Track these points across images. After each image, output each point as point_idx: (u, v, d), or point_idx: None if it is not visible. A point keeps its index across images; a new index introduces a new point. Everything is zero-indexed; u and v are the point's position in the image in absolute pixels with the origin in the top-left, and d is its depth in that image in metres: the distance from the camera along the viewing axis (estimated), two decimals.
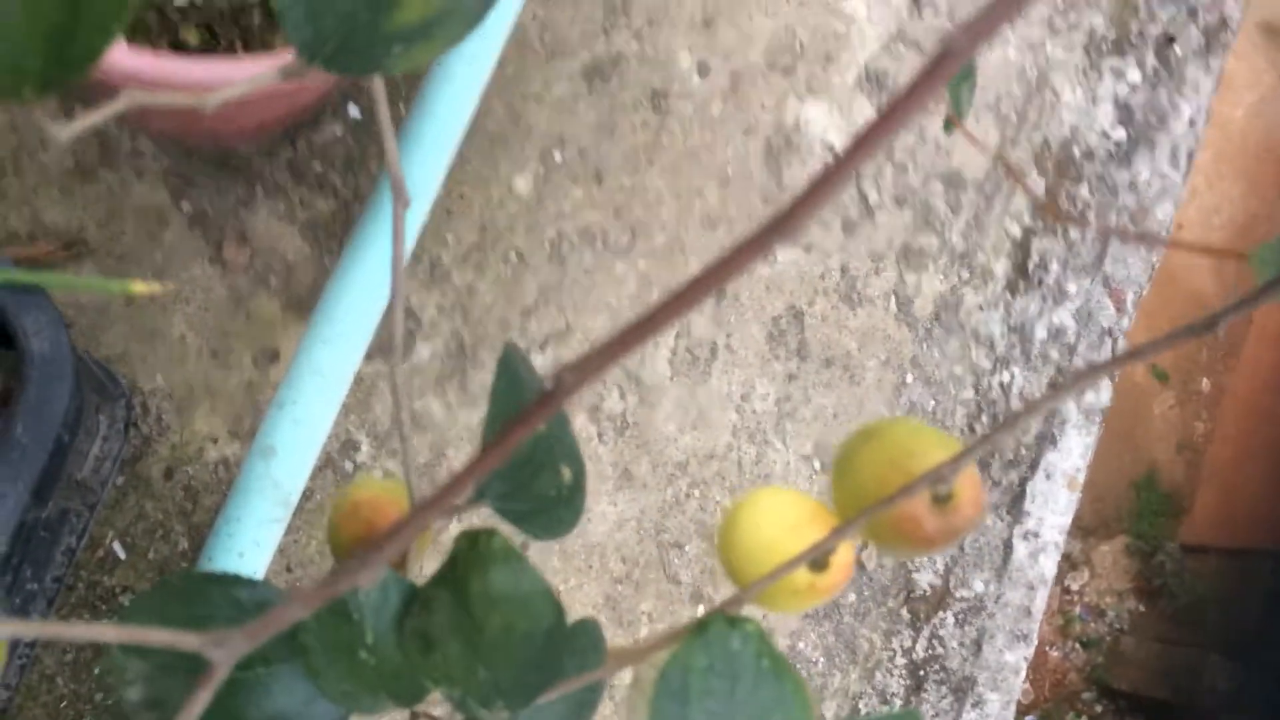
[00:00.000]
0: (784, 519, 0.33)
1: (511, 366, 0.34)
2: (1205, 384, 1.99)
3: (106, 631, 0.23)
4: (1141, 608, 1.89)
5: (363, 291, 0.97)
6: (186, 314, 1.06)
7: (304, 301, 1.09)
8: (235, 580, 0.31)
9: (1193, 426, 1.99)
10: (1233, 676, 1.66)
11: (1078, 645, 1.90)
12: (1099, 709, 1.89)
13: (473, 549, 0.28)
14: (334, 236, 1.11)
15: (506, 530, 0.34)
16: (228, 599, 0.30)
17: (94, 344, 1.03)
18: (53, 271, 1.01)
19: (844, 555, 0.32)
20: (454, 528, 1.03)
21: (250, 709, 0.31)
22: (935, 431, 0.30)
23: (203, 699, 0.22)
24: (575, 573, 1.17)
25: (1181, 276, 1.93)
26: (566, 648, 0.29)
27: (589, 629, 0.35)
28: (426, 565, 0.39)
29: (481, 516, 0.34)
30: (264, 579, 0.91)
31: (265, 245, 1.09)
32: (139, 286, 0.82)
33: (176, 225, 1.06)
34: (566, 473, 0.35)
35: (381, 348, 1.13)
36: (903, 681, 1.28)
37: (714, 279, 0.18)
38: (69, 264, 1.03)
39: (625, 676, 1.13)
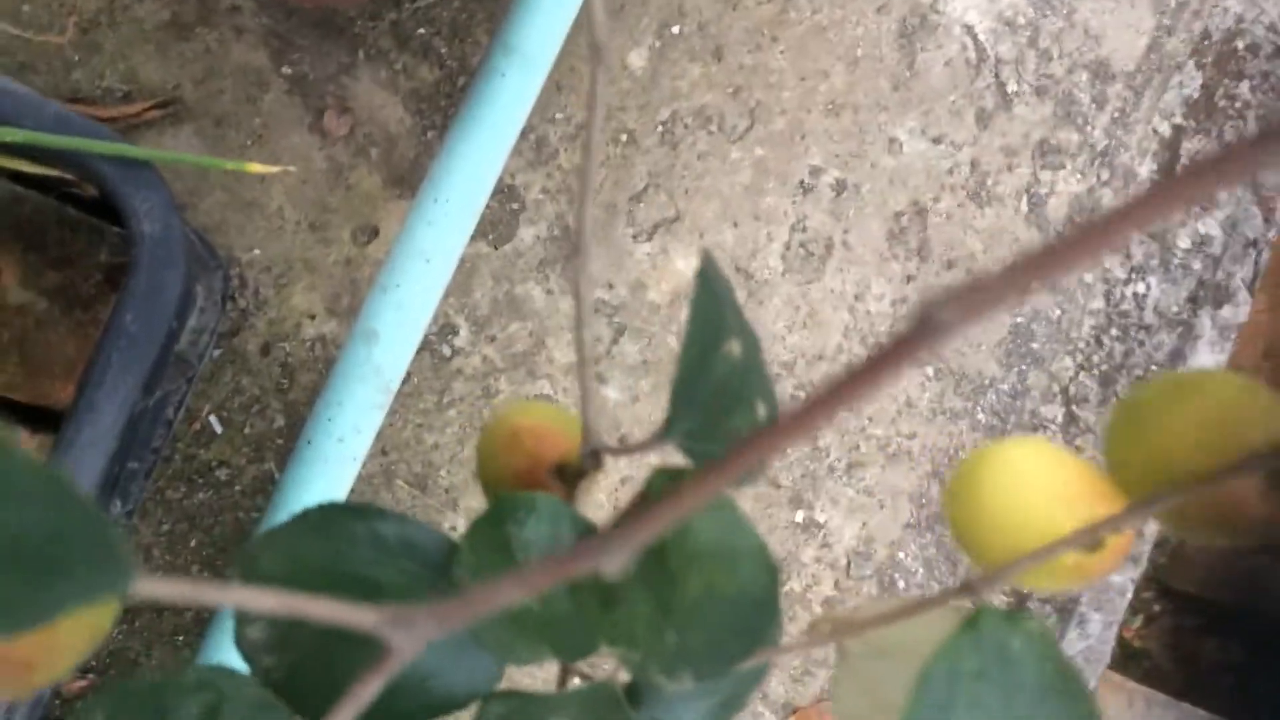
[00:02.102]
0: (1052, 486, 0.27)
1: (711, 281, 0.29)
2: None
3: (260, 598, 0.18)
4: None
5: (470, 170, 0.91)
6: (285, 185, 1.02)
7: (405, 177, 1.04)
8: (378, 514, 0.26)
9: None
10: None
11: None
12: (1157, 609, 1.84)
13: (670, 489, 0.23)
14: (438, 109, 1.05)
15: None
16: (371, 536, 0.26)
17: (191, 212, 0.99)
18: (149, 131, 0.97)
19: (1123, 535, 0.27)
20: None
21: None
22: (1265, 391, 0.24)
23: (373, 687, 0.17)
24: None
25: None
26: (777, 613, 0.24)
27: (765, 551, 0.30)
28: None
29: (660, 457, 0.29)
30: (380, 488, 0.89)
31: (366, 115, 1.03)
32: (255, 167, 0.77)
33: (276, 89, 1.01)
34: (762, 409, 0.30)
35: (484, 228, 1.08)
36: (1006, 598, 1.23)
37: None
38: (165, 124, 0.99)
39: None
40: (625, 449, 0.29)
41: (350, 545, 0.26)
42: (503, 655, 0.27)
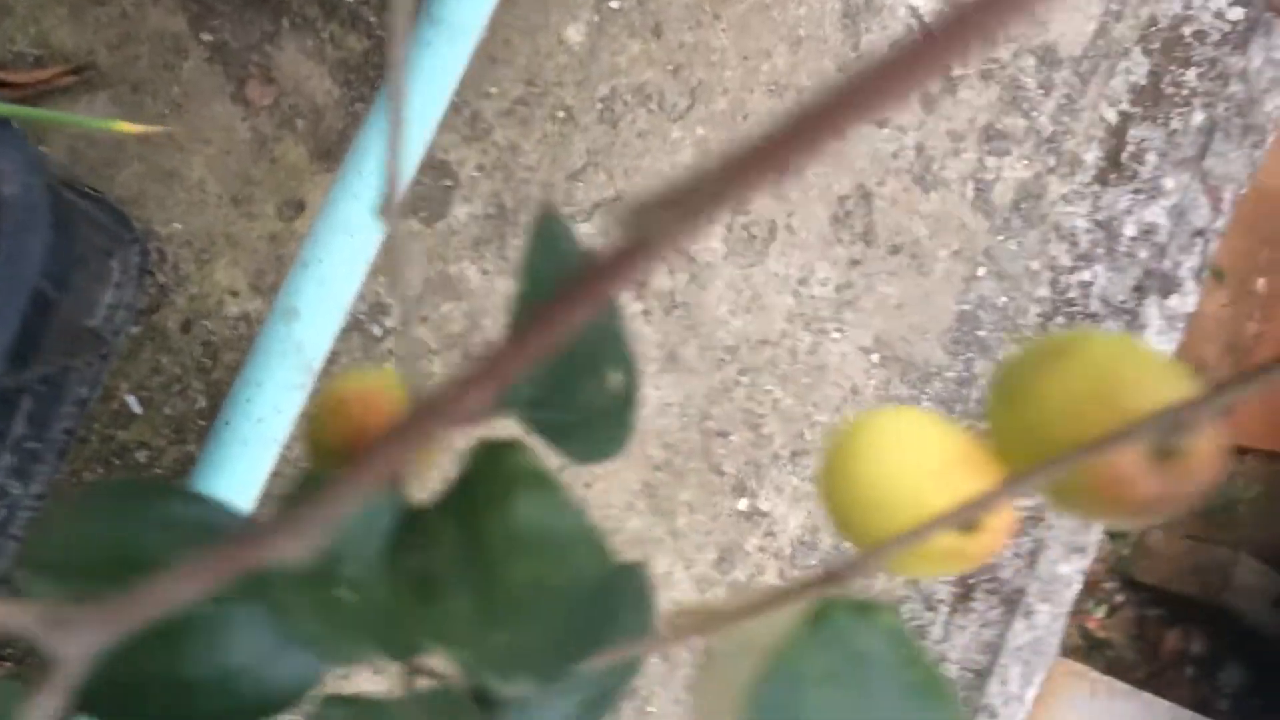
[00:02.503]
0: (926, 458, 0.24)
1: (549, 233, 0.26)
2: (1261, 284, 1.90)
3: None
4: None
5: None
6: (206, 156, 0.98)
7: (333, 150, 1.01)
8: (174, 494, 0.23)
9: (1244, 327, 1.90)
10: (1263, 577, 1.63)
11: (1105, 535, 1.86)
12: (1120, 599, 1.86)
13: (491, 468, 0.21)
14: (366, 80, 1.02)
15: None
16: (163, 518, 0.23)
17: (106, 183, 0.95)
18: (62, 98, 0.93)
19: (1004, 513, 0.24)
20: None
21: (195, 661, 0.24)
22: (1152, 354, 0.22)
23: (43, 712, 0.14)
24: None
25: (1262, 176, 1.81)
26: (618, 606, 0.22)
27: (635, 577, 0.28)
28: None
29: (506, 429, 0.27)
30: (236, 508, 0.85)
31: (292, 85, 1.00)
32: (125, 126, 0.73)
33: (196, 57, 0.97)
34: (616, 378, 0.27)
35: (417, 204, 1.04)
36: (951, 588, 1.22)
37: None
38: (79, 91, 0.95)
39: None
40: (457, 419, 0.26)
41: (140, 527, 0.23)
42: (322, 653, 0.24)
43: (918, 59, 0.10)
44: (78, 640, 0.14)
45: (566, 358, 0.26)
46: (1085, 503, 0.22)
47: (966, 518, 0.22)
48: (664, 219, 0.11)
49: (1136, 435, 0.19)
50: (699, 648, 0.26)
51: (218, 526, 0.24)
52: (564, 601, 0.21)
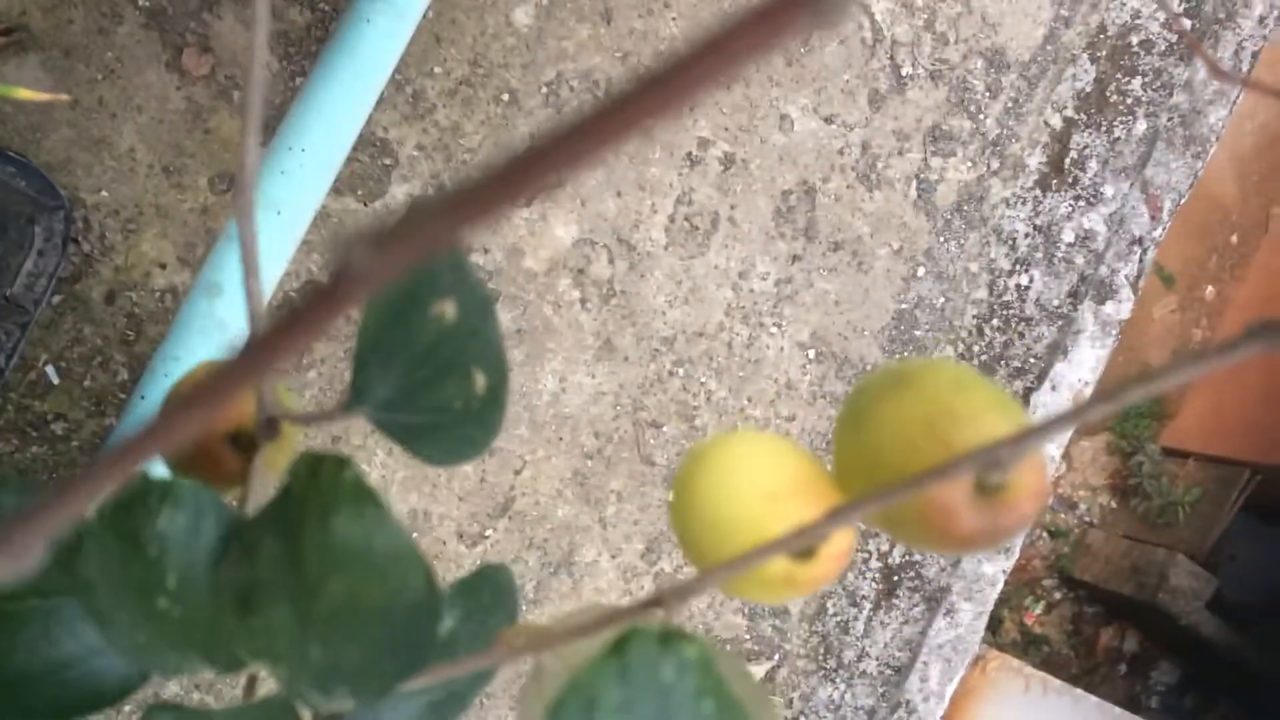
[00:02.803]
0: (764, 482, 0.24)
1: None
2: (1210, 291, 1.93)
3: None
4: (1114, 504, 1.88)
5: (331, 120, 0.87)
6: (138, 124, 0.96)
7: (270, 123, 0.99)
8: None
9: (1191, 333, 1.93)
10: (1198, 579, 1.66)
11: (1045, 534, 1.89)
12: (1058, 596, 1.89)
13: (311, 481, 0.20)
14: (308, 54, 1.00)
15: (375, 458, 0.26)
16: None
17: (32, 148, 0.93)
18: None
19: (839, 541, 0.24)
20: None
21: (18, 652, 0.23)
22: (989, 386, 0.22)
23: None
24: (544, 444, 1.10)
25: (1204, 182, 1.83)
26: (437, 625, 0.21)
27: (497, 579, 0.27)
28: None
29: (362, 431, 0.26)
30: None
31: (229, 56, 0.98)
32: (25, 93, 0.71)
33: (131, 22, 0.95)
34: (480, 380, 0.27)
35: (354, 182, 1.03)
36: (875, 585, 1.23)
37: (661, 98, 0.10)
38: (9, 53, 0.92)
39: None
40: (304, 417, 0.25)
41: None
42: (146, 663, 0.23)
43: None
44: None
45: (426, 357, 0.25)
46: (913, 532, 0.22)
47: (800, 544, 0.21)
48: (377, 252, 0.11)
49: (958, 470, 0.19)
50: (532, 664, 0.25)
51: None
52: (382, 619, 0.21)
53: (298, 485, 0.21)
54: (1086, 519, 1.86)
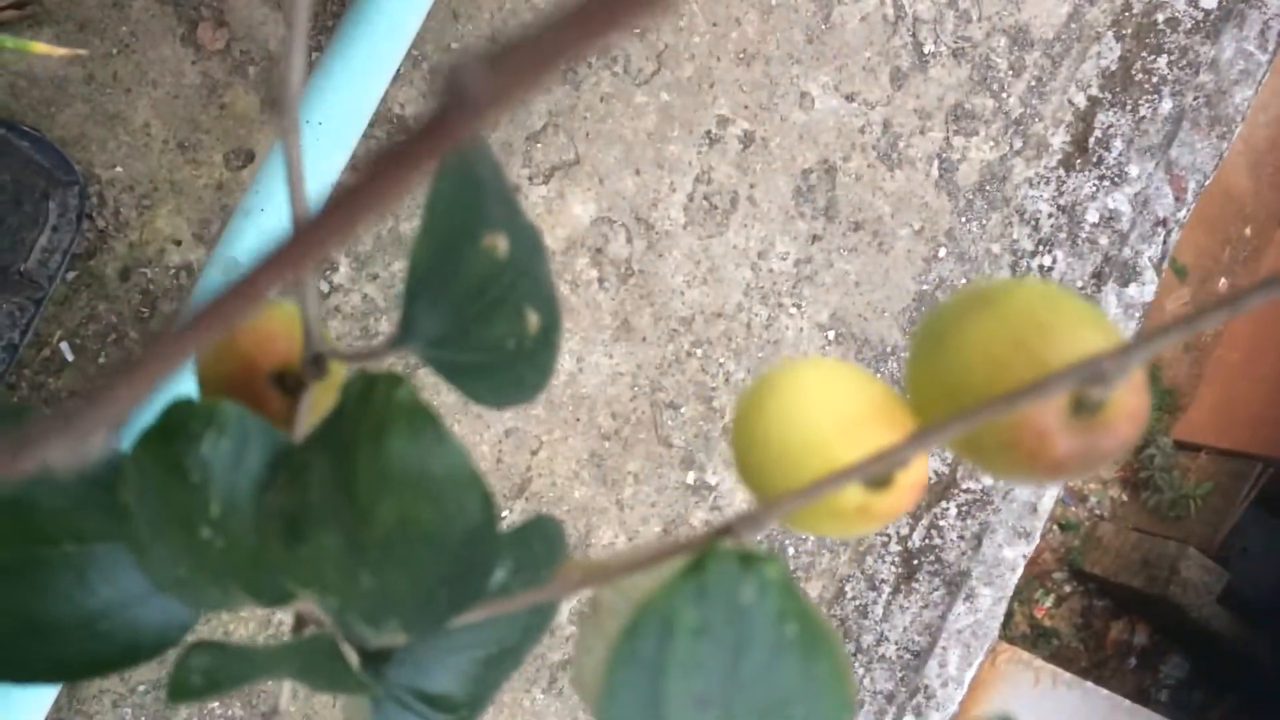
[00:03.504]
0: (837, 408, 0.23)
1: (470, 161, 0.24)
2: (1223, 284, 1.91)
3: None
4: (1124, 497, 1.87)
5: (347, 94, 0.86)
6: (153, 99, 0.95)
7: None
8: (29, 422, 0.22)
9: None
10: (1209, 572, 1.65)
11: (1056, 526, 1.88)
12: (1068, 589, 1.88)
13: (365, 401, 0.19)
14: (324, 29, 0.99)
15: (438, 395, 0.25)
16: None
17: (47, 122, 0.92)
18: (3, 32, 0.90)
19: (916, 469, 0.23)
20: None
21: (55, 601, 0.22)
22: (1081, 301, 0.21)
23: None
24: (561, 424, 1.09)
25: (1218, 173, 1.81)
26: (495, 555, 0.20)
27: (547, 530, 0.26)
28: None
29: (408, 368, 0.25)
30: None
31: (245, 30, 0.97)
32: (40, 47, 0.70)
33: None
34: (533, 319, 0.25)
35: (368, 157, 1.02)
36: (894, 569, 1.21)
37: None
38: (22, 26, 0.91)
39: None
40: (353, 354, 0.24)
41: None
42: (188, 599, 0.22)
43: None
44: None
45: (477, 292, 0.24)
46: (1000, 458, 0.21)
47: (875, 471, 0.20)
48: (490, 78, 0.09)
49: (1055, 386, 0.18)
50: (587, 601, 0.24)
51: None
52: (436, 545, 0.20)
53: (350, 405, 0.20)
54: (1097, 512, 1.85)
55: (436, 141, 0.10)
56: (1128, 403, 0.20)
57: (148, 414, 0.21)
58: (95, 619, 0.23)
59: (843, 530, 0.23)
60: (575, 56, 0.09)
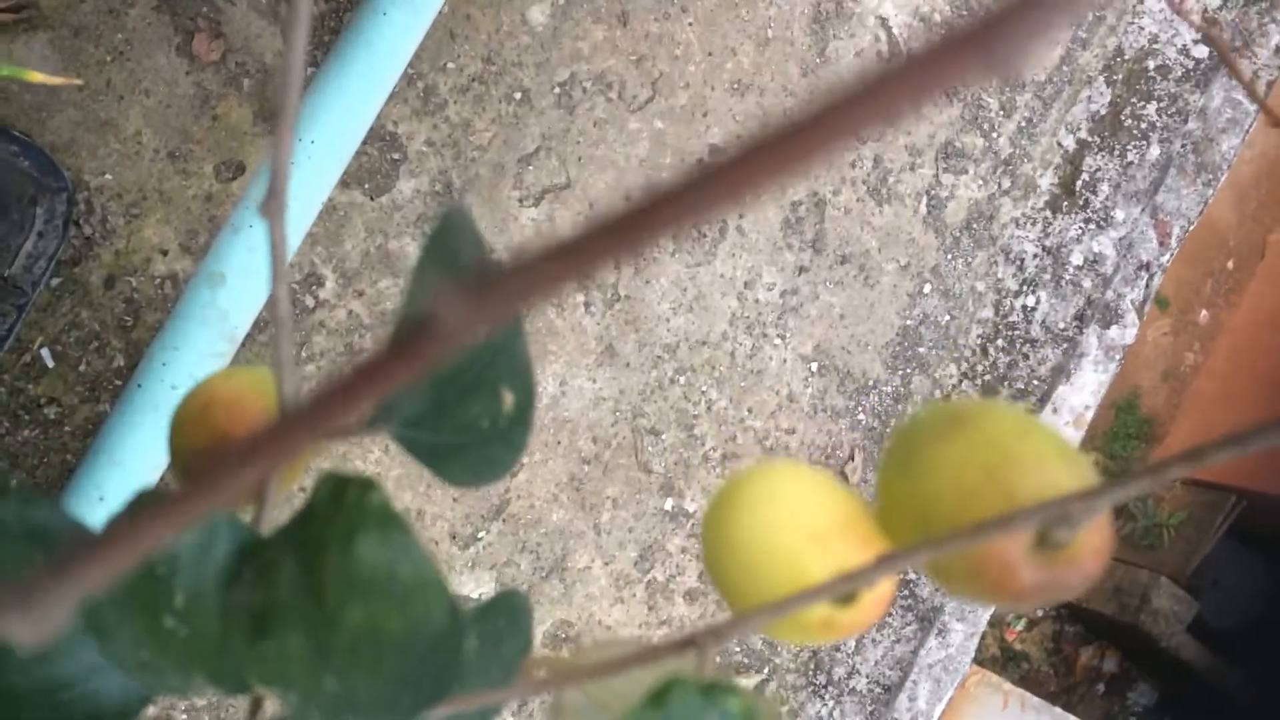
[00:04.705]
0: (806, 519, 0.23)
1: (452, 234, 0.24)
2: (1204, 316, 1.93)
3: None
4: None
5: (342, 113, 0.86)
6: (145, 108, 0.95)
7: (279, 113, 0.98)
8: (8, 493, 0.22)
9: (1183, 356, 1.93)
10: (1181, 601, 1.66)
11: None
12: (1039, 613, 1.89)
13: (336, 503, 0.19)
14: (321, 44, 0.99)
15: (398, 474, 0.25)
16: None
17: (37, 128, 0.92)
18: (0, 36, 0.90)
19: (882, 586, 0.23)
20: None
21: (12, 672, 0.22)
22: (1052, 433, 0.21)
23: None
24: (542, 448, 1.09)
25: (1210, 210, 1.83)
26: (459, 661, 0.20)
27: (513, 605, 0.26)
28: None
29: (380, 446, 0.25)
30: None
31: (241, 43, 0.96)
32: (36, 76, 0.70)
33: (143, 4, 0.94)
34: (508, 399, 0.26)
35: (361, 176, 1.02)
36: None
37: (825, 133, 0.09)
38: (17, 30, 0.91)
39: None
40: (329, 433, 0.24)
41: None
42: (149, 681, 0.22)
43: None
44: None
45: (454, 374, 0.24)
46: (964, 584, 0.21)
47: (845, 589, 0.20)
48: (471, 303, 0.10)
49: (1022, 522, 0.18)
50: (551, 698, 0.24)
51: (53, 532, 0.22)
52: (401, 650, 0.20)
53: (320, 507, 0.20)
54: None
55: (413, 359, 0.10)
56: (1092, 540, 0.20)
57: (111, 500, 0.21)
58: (57, 689, 0.23)
59: (804, 639, 0.24)
60: (551, 290, 0.10)
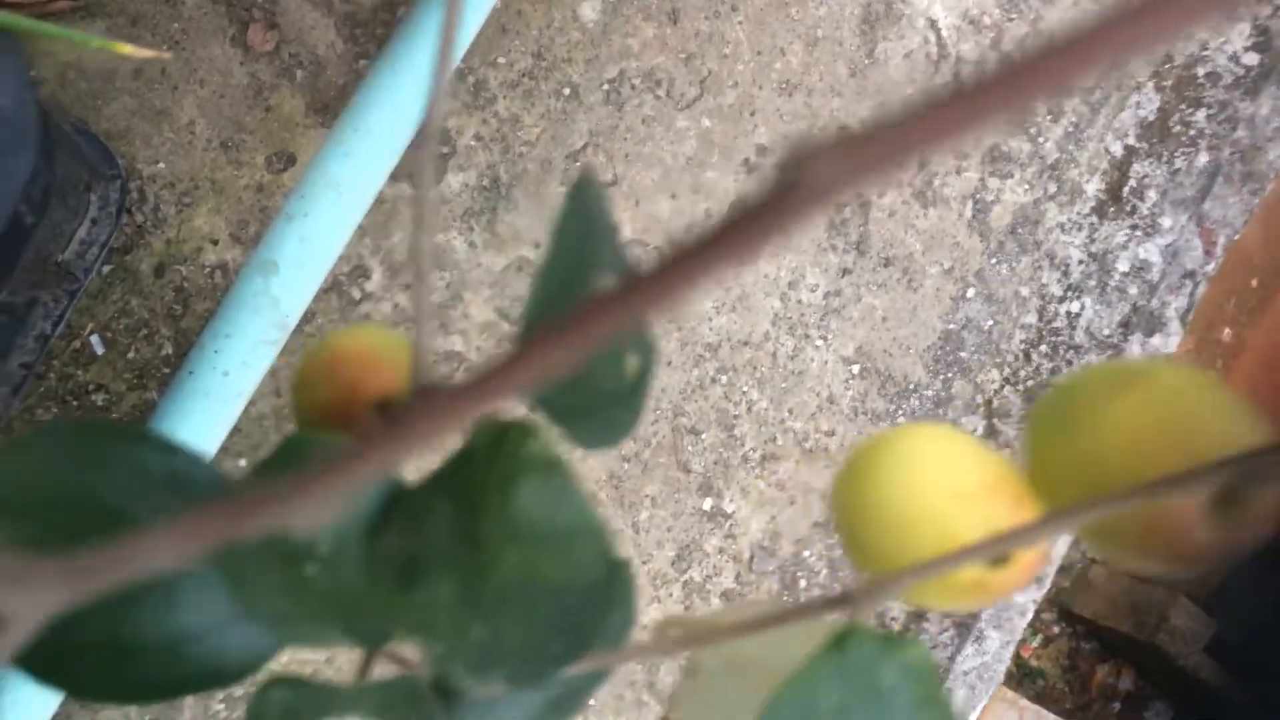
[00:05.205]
0: (954, 479, 0.23)
1: (586, 201, 0.24)
2: (1227, 334, 1.91)
3: None
4: None
5: (397, 104, 0.86)
6: (199, 97, 0.95)
7: (330, 104, 0.98)
8: (144, 439, 0.21)
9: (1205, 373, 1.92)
10: (1198, 621, 1.64)
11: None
12: (1056, 630, 1.87)
13: (497, 449, 0.19)
14: (373, 37, 0.99)
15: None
16: (131, 464, 0.21)
17: (93, 115, 0.93)
18: (57, 23, 0.90)
19: (1036, 548, 0.23)
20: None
21: (137, 622, 0.22)
22: (1226, 394, 0.20)
23: None
24: None
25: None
26: (609, 610, 0.20)
27: (620, 576, 0.26)
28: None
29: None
30: (236, 420, 0.83)
31: (295, 34, 0.97)
32: (126, 48, 0.71)
33: None
34: (633, 363, 0.25)
35: (410, 170, 1.02)
36: (904, 608, 1.21)
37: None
38: (75, 17, 0.92)
39: None
40: (463, 389, 0.24)
41: (107, 473, 0.21)
42: (280, 631, 0.22)
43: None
44: (34, 599, 0.12)
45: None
46: (1131, 546, 0.21)
47: (1002, 549, 0.20)
48: (841, 161, 0.09)
49: (1207, 479, 0.17)
50: (686, 660, 0.24)
51: (193, 481, 0.22)
52: (555, 599, 0.20)
53: (479, 452, 0.20)
54: (1089, 555, 1.84)
55: (772, 225, 0.10)
56: (1267, 498, 0.20)
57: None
58: (181, 642, 0.23)
59: (953, 603, 0.23)
60: (922, 151, 0.09)
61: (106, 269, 0.94)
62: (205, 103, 0.96)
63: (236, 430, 0.89)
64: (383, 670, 0.26)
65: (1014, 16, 1.16)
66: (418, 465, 0.26)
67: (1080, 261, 1.21)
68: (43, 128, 0.62)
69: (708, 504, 1.16)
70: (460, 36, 0.88)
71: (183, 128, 0.95)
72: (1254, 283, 1.90)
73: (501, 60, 1.03)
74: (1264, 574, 1.72)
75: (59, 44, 0.90)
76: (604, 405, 0.25)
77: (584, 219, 0.24)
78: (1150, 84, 1.21)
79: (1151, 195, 1.21)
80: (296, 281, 0.85)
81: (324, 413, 0.26)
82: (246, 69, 0.96)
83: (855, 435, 1.18)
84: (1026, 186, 1.19)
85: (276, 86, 0.97)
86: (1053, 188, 1.20)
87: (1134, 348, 1.24)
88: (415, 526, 0.20)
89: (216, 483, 0.22)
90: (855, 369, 1.18)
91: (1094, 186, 1.21)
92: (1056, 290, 1.21)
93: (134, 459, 0.21)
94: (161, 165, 0.95)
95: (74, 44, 0.89)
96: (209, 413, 0.83)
